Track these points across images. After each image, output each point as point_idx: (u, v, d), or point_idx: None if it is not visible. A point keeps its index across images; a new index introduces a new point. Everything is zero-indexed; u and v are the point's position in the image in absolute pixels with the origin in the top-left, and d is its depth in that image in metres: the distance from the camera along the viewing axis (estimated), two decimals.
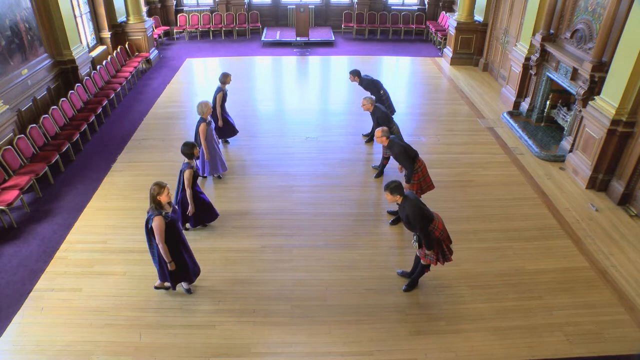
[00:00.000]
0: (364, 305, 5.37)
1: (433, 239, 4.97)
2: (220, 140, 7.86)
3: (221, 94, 8.09)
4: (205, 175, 7.51)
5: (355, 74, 8.62)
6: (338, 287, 5.63)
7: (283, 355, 4.79)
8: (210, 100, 7.62)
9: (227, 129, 8.52)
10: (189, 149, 5.84)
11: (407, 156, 6.12)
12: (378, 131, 6.24)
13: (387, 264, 6.00)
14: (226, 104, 8.42)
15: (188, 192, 5.93)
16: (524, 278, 5.78)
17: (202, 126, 6.97)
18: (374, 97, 7.48)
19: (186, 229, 6.46)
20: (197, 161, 7.40)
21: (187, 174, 5.82)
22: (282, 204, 7.21)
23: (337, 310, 5.30)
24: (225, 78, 8.15)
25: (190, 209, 6.06)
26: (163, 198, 4.72)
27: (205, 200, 6.37)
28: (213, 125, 7.40)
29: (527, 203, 7.25)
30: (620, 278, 5.77)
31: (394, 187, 4.90)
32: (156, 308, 5.32)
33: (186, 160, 5.90)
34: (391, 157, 6.73)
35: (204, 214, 6.43)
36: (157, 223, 4.70)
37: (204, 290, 5.58)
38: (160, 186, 4.69)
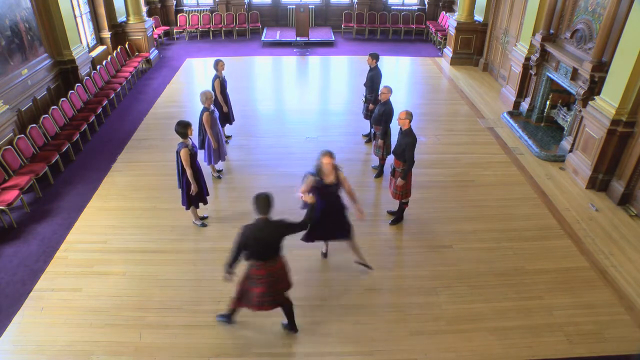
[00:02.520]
0: (364, 305, 5.37)
1: None
2: (222, 131, 7.94)
3: (218, 81, 8.13)
4: (210, 163, 7.60)
5: (374, 57, 8.31)
6: (338, 287, 5.63)
7: (283, 356, 4.79)
8: (210, 89, 7.70)
9: (231, 115, 8.63)
10: (182, 128, 5.75)
11: (414, 149, 6.07)
12: (403, 113, 6.07)
13: (387, 264, 6.00)
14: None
15: (188, 171, 5.86)
16: (524, 278, 5.78)
17: (205, 115, 7.04)
18: (391, 88, 7.29)
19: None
20: (203, 151, 7.47)
21: (183, 153, 5.76)
22: (282, 204, 7.17)
23: (337, 310, 5.30)
24: (217, 65, 8.19)
25: (193, 188, 5.97)
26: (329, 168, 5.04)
27: (202, 182, 6.28)
28: (217, 114, 7.44)
29: (527, 203, 7.24)
30: (620, 278, 5.77)
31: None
32: (156, 308, 5.32)
33: (181, 140, 5.83)
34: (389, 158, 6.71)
35: (199, 195, 6.28)
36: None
37: (204, 289, 5.58)
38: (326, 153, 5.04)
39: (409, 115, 6.08)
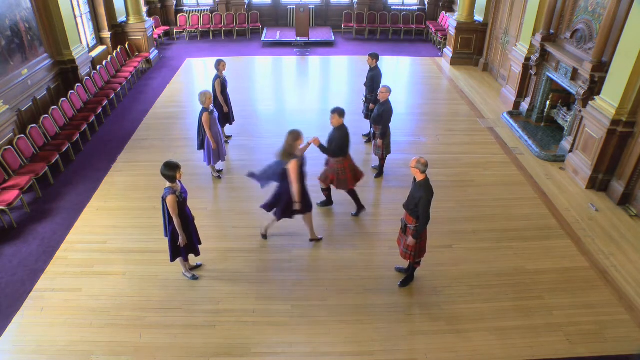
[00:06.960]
0: (364, 305, 5.37)
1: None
2: (222, 131, 7.95)
3: (219, 81, 8.14)
4: (210, 164, 7.59)
5: (374, 57, 8.26)
6: (338, 287, 5.63)
7: (283, 355, 4.79)
8: (210, 89, 7.69)
9: (231, 115, 8.64)
10: (170, 171, 4.84)
11: (429, 206, 4.97)
12: (414, 161, 4.92)
13: (387, 264, 6.00)
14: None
15: (175, 221, 5.01)
16: (524, 278, 5.78)
17: (205, 116, 7.04)
18: (389, 88, 7.26)
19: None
20: (203, 151, 7.47)
21: (170, 200, 4.88)
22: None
23: (337, 310, 5.30)
24: (218, 65, 8.19)
25: (181, 239, 5.15)
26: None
27: (193, 230, 5.44)
28: (216, 114, 7.45)
29: (527, 203, 7.24)
30: (620, 278, 5.77)
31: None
32: (156, 308, 5.32)
33: (168, 184, 4.94)
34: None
35: (194, 245, 5.52)
36: None
37: (204, 290, 5.58)
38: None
39: (420, 165, 4.89)
